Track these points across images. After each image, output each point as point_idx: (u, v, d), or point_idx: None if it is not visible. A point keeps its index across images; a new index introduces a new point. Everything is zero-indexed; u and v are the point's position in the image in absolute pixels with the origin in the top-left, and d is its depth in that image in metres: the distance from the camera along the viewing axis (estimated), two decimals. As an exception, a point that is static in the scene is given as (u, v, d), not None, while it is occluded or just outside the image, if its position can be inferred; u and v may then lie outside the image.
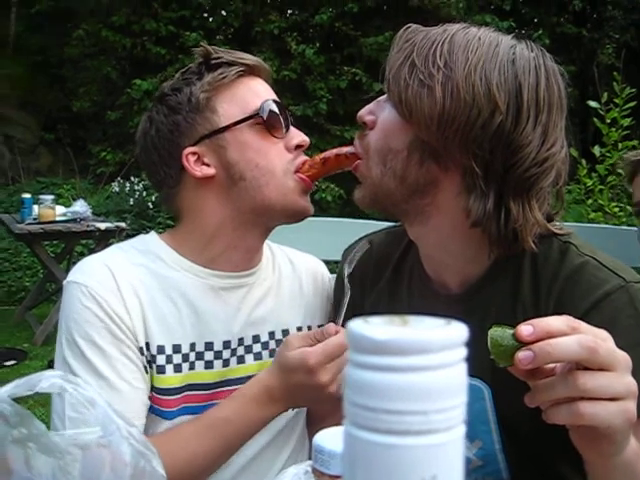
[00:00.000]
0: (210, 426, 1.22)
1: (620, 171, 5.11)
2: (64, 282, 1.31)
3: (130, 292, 1.29)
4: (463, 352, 0.43)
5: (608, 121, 5.12)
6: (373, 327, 0.43)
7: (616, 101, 5.09)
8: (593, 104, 5.14)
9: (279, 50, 10.29)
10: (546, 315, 0.86)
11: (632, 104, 5.03)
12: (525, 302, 1.16)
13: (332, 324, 1.19)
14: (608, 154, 5.20)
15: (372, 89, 10.12)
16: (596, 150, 5.26)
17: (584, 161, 5.37)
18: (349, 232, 1.58)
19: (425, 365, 0.41)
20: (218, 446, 1.22)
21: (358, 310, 1.37)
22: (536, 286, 1.16)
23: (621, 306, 1.09)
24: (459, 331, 0.43)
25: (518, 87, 1.06)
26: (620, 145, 5.12)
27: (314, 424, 1.49)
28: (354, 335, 0.43)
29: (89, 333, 1.24)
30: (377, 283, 1.37)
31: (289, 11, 11.42)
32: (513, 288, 1.18)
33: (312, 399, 1.23)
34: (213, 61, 1.34)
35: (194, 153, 1.31)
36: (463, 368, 0.43)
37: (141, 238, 1.43)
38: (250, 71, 1.36)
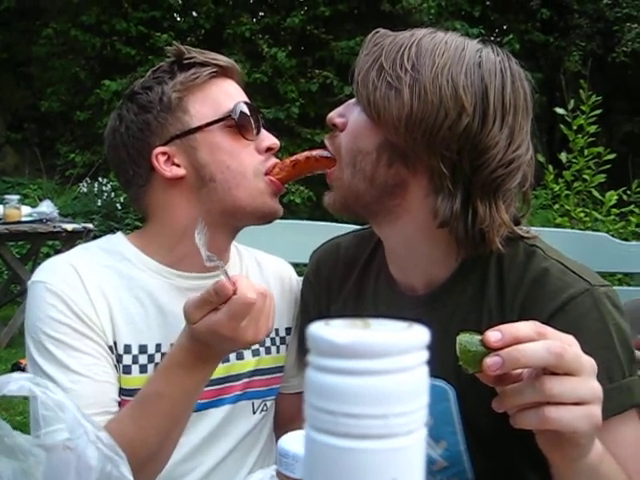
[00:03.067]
0: (144, 406, 1.16)
1: (586, 177, 5.20)
2: (29, 282, 1.29)
3: (97, 291, 1.27)
4: (424, 355, 0.43)
5: (575, 128, 5.19)
6: (334, 330, 0.42)
7: (582, 108, 5.16)
8: (560, 111, 5.21)
9: (250, 53, 10.27)
10: (511, 318, 0.87)
11: (598, 111, 5.11)
12: (491, 304, 1.17)
13: (224, 281, 1.05)
14: (574, 160, 5.27)
15: (343, 92, 10.14)
16: (563, 156, 5.32)
17: (551, 167, 5.44)
18: (318, 234, 1.58)
19: (385, 369, 0.41)
20: (156, 423, 1.15)
21: (325, 315, 1.38)
22: (502, 289, 1.17)
23: (586, 310, 1.10)
24: (420, 334, 0.42)
25: (484, 89, 1.07)
26: (586, 151, 5.19)
27: (281, 427, 1.48)
28: (315, 338, 0.43)
29: (56, 330, 1.22)
30: (344, 286, 1.37)
31: (261, 13, 11.41)
32: (479, 290, 1.19)
33: (241, 347, 1.22)
34: (186, 61, 1.33)
35: (164, 153, 1.30)
36: (424, 371, 0.42)
37: (107, 238, 1.41)
38: (223, 72, 1.36)
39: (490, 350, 0.81)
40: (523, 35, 12.44)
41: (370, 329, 0.44)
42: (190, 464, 1.32)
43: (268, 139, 1.36)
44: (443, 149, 1.08)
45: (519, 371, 0.85)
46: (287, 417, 1.48)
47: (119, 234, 1.42)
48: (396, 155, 1.12)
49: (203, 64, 1.33)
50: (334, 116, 1.21)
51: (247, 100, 1.36)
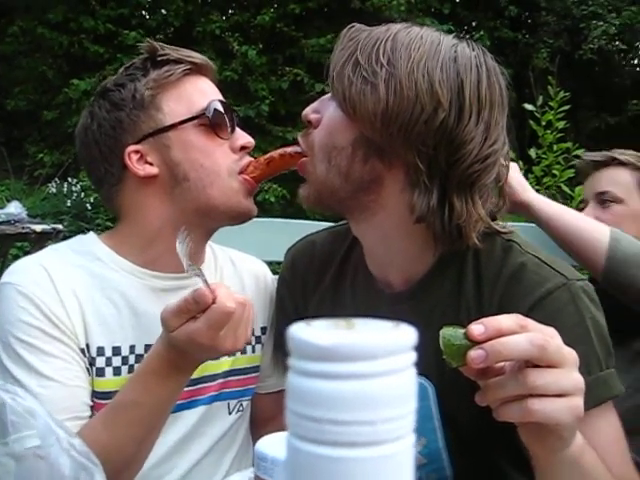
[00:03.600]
0: (117, 413, 1.14)
1: (555, 172, 5.25)
2: None
3: (68, 293, 1.24)
4: (412, 357, 0.41)
5: (543, 123, 5.23)
6: (316, 331, 0.40)
7: (551, 104, 5.21)
8: (529, 107, 5.24)
9: (220, 50, 10.21)
10: (489, 312, 0.87)
11: (566, 107, 5.16)
12: (468, 300, 1.17)
13: (204, 290, 1.04)
14: (544, 155, 5.31)
15: (314, 90, 10.15)
16: (532, 152, 5.37)
17: (521, 162, 5.49)
18: (292, 232, 1.57)
19: (372, 372, 0.39)
20: (131, 432, 1.13)
21: (301, 312, 1.36)
22: (479, 284, 1.17)
23: (563, 304, 1.11)
24: (408, 335, 0.40)
25: (460, 84, 1.07)
26: (555, 147, 5.24)
27: (258, 427, 1.47)
28: (296, 340, 0.40)
29: (26, 333, 1.19)
30: (320, 283, 1.36)
31: (230, 11, 11.35)
32: (457, 286, 1.19)
33: (218, 356, 1.18)
34: (159, 58, 1.31)
35: (137, 151, 1.28)
36: (412, 374, 0.40)
37: (78, 239, 1.38)
38: (197, 70, 1.34)
39: (474, 343, 0.82)
40: (492, 32, 12.54)
41: (354, 330, 0.41)
42: (165, 467, 1.30)
43: (242, 138, 1.34)
44: (419, 144, 1.07)
45: (501, 364, 0.85)
46: (263, 417, 1.47)
47: (91, 234, 1.39)
48: (372, 150, 1.11)
49: (177, 61, 1.31)
50: (308, 112, 1.20)
51: (221, 98, 1.34)
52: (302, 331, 0.41)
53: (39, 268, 1.25)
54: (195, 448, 1.33)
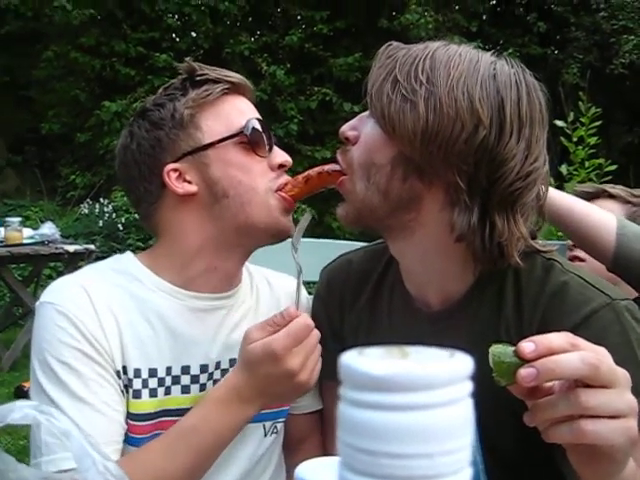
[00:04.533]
0: (177, 438, 1.16)
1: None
2: (37, 303, 1.26)
3: (107, 313, 1.24)
4: (469, 386, 0.39)
5: (575, 140, 5.17)
6: (370, 361, 0.38)
7: (582, 120, 5.15)
8: (560, 123, 5.19)
9: (249, 71, 10.28)
10: (530, 333, 0.85)
11: (598, 123, 5.10)
12: (508, 320, 1.15)
13: (291, 306, 1.16)
14: (575, 172, 5.25)
15: (342, 109, 10.18)
16: (563, 168, 5.30)
17: (552, 179, 5.43)
18: (326, 252, 1.55)
19: (430, 402, 0.37)
20: (187, 459, 1.15)
21: (337, 331, 1.35)
22: (520, 303, 1.15)
23: (608, 324, 1.08)
24: (464, 364, 0.38)
25: (500, 102, 1.06)
26: (587, 163, 5.17)
27: (291, 449, 1.45)
28: (348, 369, 0.39)
29: (63, 354, 1.19)
30: (356, 302, 1.34)
31: (259, 32, 11.46)
32: (496, 305, 1.17)
33: (284, 392, 1.18)
34: (198, 77, 1.31)
35: (176, 170, 1.28)
36: (469, 404, 0.39)
37: (117, 258, 1.38)
38: (235, 89, 1.34)
39: (523, 361, 0.80)
40: (520, 49, 12.48)
41: (409, 359, 0.39)
42: None
43: (280, 156, 1.34)
44: (460, 162, 1.05)
45: (551, 384, 0.83)
46: (297, 438, 1.45)
47: (128, 253, 1.39)
48: (411, 169, 1.10)
49: (215, 81, 1.31)
50: (346, 130, 1.20)
51: (259, 117, 1.35)
52: (354, 360, 0.39)
53: (79, 288, 1.25)
54: (230, 470, 1.32)
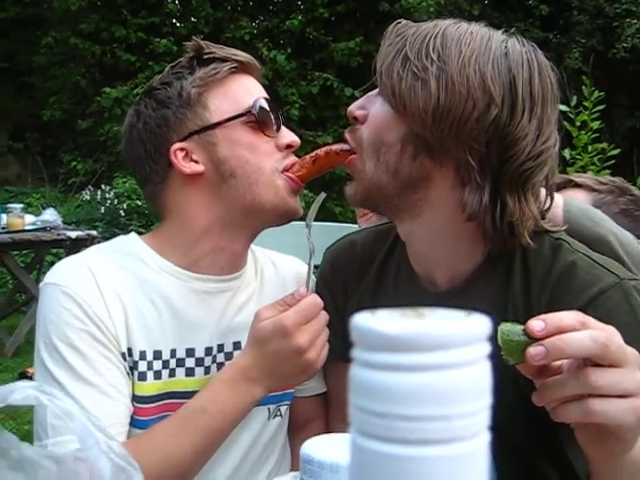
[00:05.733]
0: (184, 419, 1.16)
1: (590, 173, 5.16)
2: (41, 284, 1.26)
3: (112, 295, 1.23)
4: (487, 347, 0.37)
5: (578, 124, 5.15)
6: (384, 320, 0.37)
7: (585, 104, 5.12)
8: (563, 107, 5.16)
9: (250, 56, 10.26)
10: (538, 312, 0.85)
11: (601, 107, 5.07)
12: (516, 299, 1.14)
13: (303, 286, 1.19)
14: (578, 157, 5.23)
15: (344, 94, 10.14)
16: (566, 153, 5.28)
17: (555, 164, 5.41)
18: (329, 235, 1.55)
19: (447, 363, 0.35)
20: (194, 440, 1.15)
21: (342, 312, 1.34)
22: (528, 283, 1.14)
23: (616, 303, 1.08)
24: (482, 324, 0.37)
25: (512, 80, 1.05)
26: (590, 148, 5.15)
27: (295, 432, 1.45)
28: (362, 330, 0.37)
29: (68, 336, 1.18)
30: (361, 282, 1.34)
31: (260, 17, 11.39)
32: (504, 285, 1.16)
33: (291, 371, 1.18)
34: (205, 56, 1.30)
35: (182, 149, 1.27)
36: (487, 366, 0.37)
37: (122, 239, 1.37)
38: (243, 68, 1.33)
39: (533, 340, 0.79)
40: (523, 33, 12.37)
41: (425, 318, 0.38)
42: (204, 474, 1.28)
43: (288, 136, 1.33)
44: (471, 141, 1.04)
45: (559, 363, 0.82)
46: (301, 421, 1.45)
47: (133, 235, 1.38)
48: (421, 147, 1.08)
49: (223, 59, 1.30)
50: (354, 109, 1.18)
51: (267, 96, 1.33)
52: (368, 320, 0.38)
53: (84, 269, 1.24)
54: (233, 454, 1.31)
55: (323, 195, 1.31)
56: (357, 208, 1.90)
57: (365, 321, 0.38)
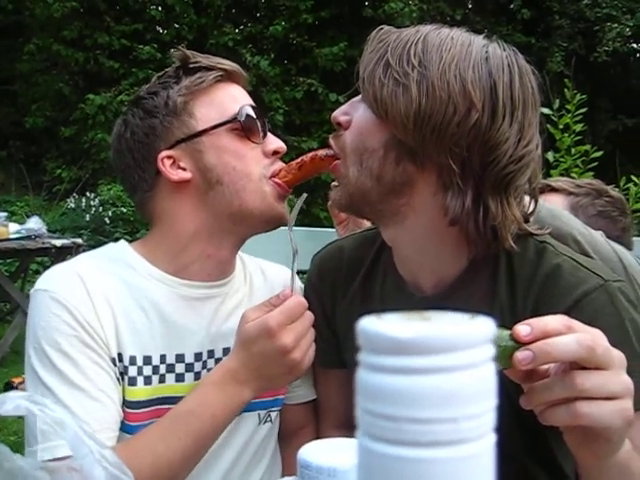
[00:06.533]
0: (174, 422, 1.17)
1: (574, 175, 5.20)
2: (31, 291, 1.26)
3: (102, 301, 1.24)
4: (491, 350, 0.38)
5: (561, 127, 5.19)
6: (392, 324, 0.38)
7: (568, 107, 5.16)
8: (546, 111, 5.20)
9: (234, 62, 10.24)
10: (524, 315, 0.86)
11: (583, 110, 5.11)
12: (502, 303, 1.15)
13: (287, 288, 1.21)
14: (562, 159, 5.27)
15: (328, 99, 10.16)
16: (550, 155, 5.31)
17: (539, 166, 5.44)
18: (315, 239, 1.55)
19: (453, 365, 0.36)
20: (184, 443, 1.16)
21: (330, 318, 1.35)
22: (513, 286, 1.15)
23: (601, 305, 1.08)
24: (486, 326, 0.38)
25: (493, 84, 1.05)
26: (573, 150, 5.19)
27: (286, 439, 1.45)
28: (369, 334, 0.38)
29: (58, 342, 1.19)
30: (349, 288, 1.34)
31: (243, 23, 11.40)
32: (489, 289, 1.16)
33: (278, 372, 1.19)
34: (191, 65, 1.32)
35: (170, 157, 1.28)
36: (492, 368, 0.38)
37: (111, 247, 1.38)
38: (228, 77, 1.34)
39: (520, 345, 0.80)
40: (505, 37, 12.49)
41: (431, 321, 0.39)
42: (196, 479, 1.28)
43: (275, 142, 1.34)
44: (452, 145, 1.05)
45: (546, 367, 0.83)
46: (292, 428, 1.45)
47: (122, 242, 1.39)
48: (404, 152, 1.09)
49: (208, 68, 1.31)
50: (338, 114, 1.19)
51: (253, 104, 1.35)
52: (375, 324, 0.38)
53: (74, 275, 1.25)
54: (224, 458, 1.31)
55: (304, 195, 1.32)
56: (334, 215, 1.89)
57: (373, 325, 0.38)
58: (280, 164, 1.34)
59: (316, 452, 0.77)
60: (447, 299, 1.18)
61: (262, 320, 1.15)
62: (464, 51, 1.06)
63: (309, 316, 1.19)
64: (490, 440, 0.38)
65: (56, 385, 1.17)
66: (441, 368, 0.36)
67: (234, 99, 1.33)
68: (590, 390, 0.79)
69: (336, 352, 1.35)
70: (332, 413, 1.40)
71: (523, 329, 0.80)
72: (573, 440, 0.87)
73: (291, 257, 1.26)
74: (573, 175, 5.22)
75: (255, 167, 1.30)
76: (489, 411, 0.38)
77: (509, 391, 0.90)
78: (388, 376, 0.37)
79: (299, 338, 1.16)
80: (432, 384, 0.36)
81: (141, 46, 10.21)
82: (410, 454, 0.36)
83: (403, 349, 0.36)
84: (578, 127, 5.17)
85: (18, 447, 1.18)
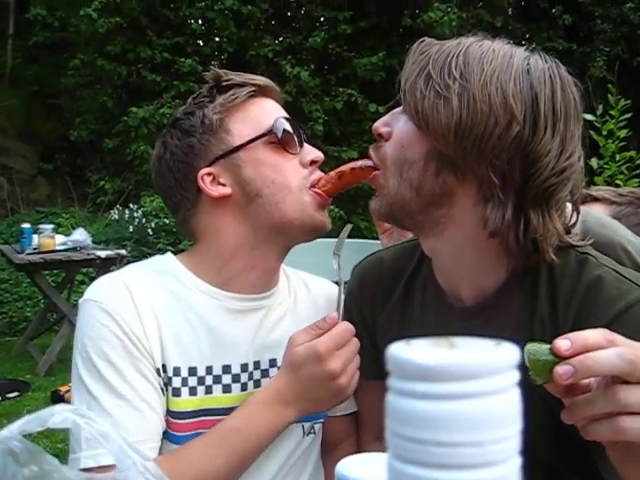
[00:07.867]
0: (219, 438, 1.20)
1: (619, 182, 5.11)
2: (80, 300, 1.29)
3: (148, 312, 1.27)
4: (516, 375, 0.39)
5: (604, 133, 5.11)
6: (419, 351, 0.39)
7: (612, 113, 5.08)
8: (589, 117, 5.13)
9: (274, 73, 10.31)
10: (565, 328, 0.85)
11: (628, 115, 5.03)
12: (543, 315, 1.14)
13: (333, 312, 1.23)
14: (606, 166, 5.18)
15: (368, 109, 10.16)
16: (594, 162, 5.23)
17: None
18: (355, 250, 1.56)
19: (479, 391, 0.37)
20: (228, 460, 1.19)
21: (370, 329, 1.36)
22: (554, 298, 1.14)
23: None
24: (511, 353, 0.39)
25: (534, 97, 1.05)
26: (618, 156, 5.11)
27: (328, 451, 1.46)
28: (398, 360, 0.39)
29: (105, 351, 1.22)
30: (389, 299, 1.35)
31: (282, 34, 11.49)
32: (530, 301, 1.16)
33: (324, 395, 1.22)
34: (224, 83, 1.35)
35: (209, 174, 1.31)
36: (517, 393, 0.39)
37: (157, 259, 1.41)
38: (261, 91, 1.37)
39: (560, 359, 0.79)
40: (546, 43, 12.35)
41: (457, 349, 0.40)
42: None
43: (312, 152, 1.36)
44: (493, 158, 1.05)
45: (588, 381, 0.82)
46: (334, 440, 1.46)
47: (169, 254, 1.42)
48: (444, 164, 1.10)
49: (241, 85, 1.35)
50: (379, 125, 1.20)
51: (287, 115, 1.37)
52: (403, 351, 0.40)
53: (121, 286, 1.28)
54: (268, 468, 1.33)
55: (349, 226, 1.34)
56: (378, 225, 1.91)
57: (401, 352, 0.40)
58: (319, 173, 1.36)
59: (353, 466, 0.78)
60: (487, 310, 1.18)
61: (312, 345, 1.18)
62: (505, 63, 1.07)
63: (356, 342, 1.22)
64: (516, 463, 0.39)
65: (101, 394, 1.20)
66: (467, 394, 0.38)
67: (268, 113, 1.35)
68: (633, 405, 0.79)
69: (376, 363, 1.35)
70: (372, 424, 1.41)
71: (563, 343, 0.79)
72: (617, 455, 0.86)
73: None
74: (618, 182, 5.14)
75: (294, 178, 1.32)
76: (514, 435, 0.39)
77: (551, 406, 0.90)
78: (416, 401, 0.38)
79: (346, 364, 1.19)
80: (459, 409, 0.37)
81: (182, 59, 10.35)
82: (438, 476, 0.38)
83: (431, 376, 0.38)
84: (622, 133, 5.08)
85: (65, 455, 1.22)
